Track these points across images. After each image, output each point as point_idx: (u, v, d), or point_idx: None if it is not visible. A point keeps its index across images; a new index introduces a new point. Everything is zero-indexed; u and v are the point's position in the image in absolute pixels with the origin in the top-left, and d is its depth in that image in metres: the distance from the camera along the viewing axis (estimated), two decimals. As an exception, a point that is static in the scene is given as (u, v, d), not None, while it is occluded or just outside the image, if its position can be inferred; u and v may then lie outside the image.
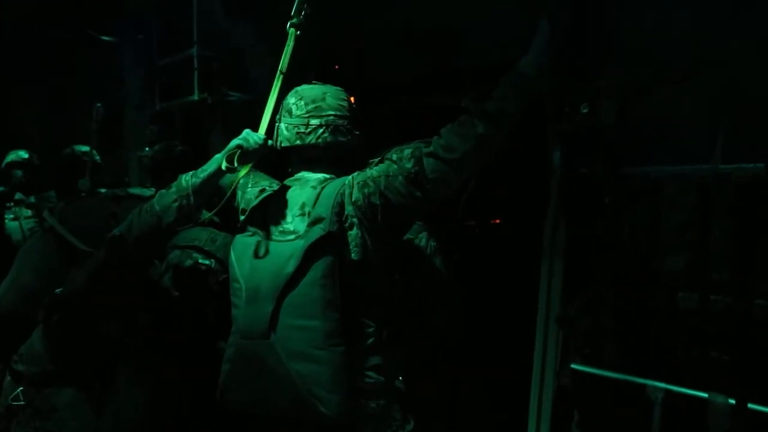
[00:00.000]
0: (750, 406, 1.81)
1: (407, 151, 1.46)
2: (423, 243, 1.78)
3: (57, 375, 1.80)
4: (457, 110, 1.45)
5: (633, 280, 2.14)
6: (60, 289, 1.77)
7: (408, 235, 1.76)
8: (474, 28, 2.60)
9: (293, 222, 1.49)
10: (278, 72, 1.59)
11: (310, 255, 1.38)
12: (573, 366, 2.19)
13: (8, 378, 1.83)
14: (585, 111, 2.13)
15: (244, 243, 1.50)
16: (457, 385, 2.65)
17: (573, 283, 2.29)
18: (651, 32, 2.05)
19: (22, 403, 1.77)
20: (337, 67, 3.21)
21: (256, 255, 1.46)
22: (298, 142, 1.55)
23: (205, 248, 1.83)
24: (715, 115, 1.96)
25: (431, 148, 1.42)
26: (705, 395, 1.90)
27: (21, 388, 1.78)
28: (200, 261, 1.74)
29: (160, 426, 1.80)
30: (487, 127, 1.38)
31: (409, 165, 1.43)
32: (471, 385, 2.71)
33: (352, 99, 1.64)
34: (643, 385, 2.03)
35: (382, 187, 1.44)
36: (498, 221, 3.03)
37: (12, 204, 3.81)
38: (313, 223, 1.43)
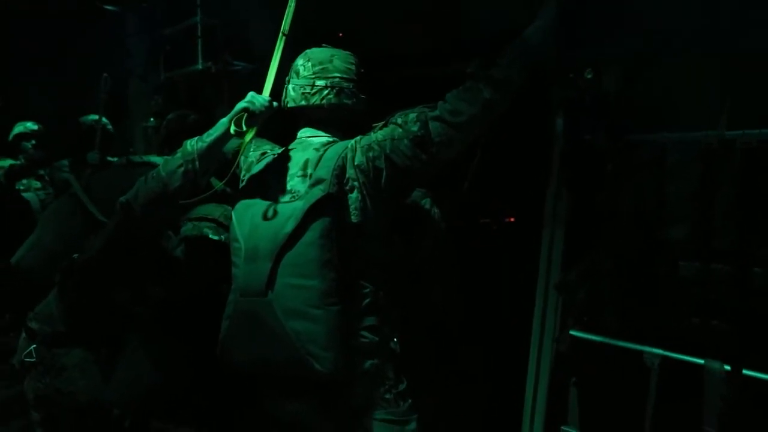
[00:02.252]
0: (745, 372, 1.83)
1: (412, 115, 1.47)
2: (427, 207, 1.79)
3: (68, 336, 1.85)
4: (459, 80, 1.45)
5: (635, 248, 2.15)
6: (77, 255, 1.80)
7: (413, 199, 1.77)
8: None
9: (294, 183, 1.51)
10: (280, 34, 1.60)
11: (310, 216, 1.39)
12: (571, 332, 2.21)
13: (23, 335, 1.89)
14: (589, 77, 2.11)
15: (245, 204, 1.52)
16: (456, 352, 2.69)
17: (574, 251, 2.30)
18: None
19: (34, 359, 1.83)
20: (341, 35, 3.18)
21: (255, 215, 1.47)
22: (303, 102, 1.56)
23: (219, 219, 1.85)
24: (721, 81, 1.93)
25: (437, 112, 1.44)
26: (701, 361, 1.92)
27: (34, 346, 1.84)
28: (211, 236, 1.76)
29: (163, 393, 1.84)
30: (493, 93, 1.40)
31: (414, 128, 1.44)
32: (470, 352, 2.75)
33: None
34: (641, 352, 2.06)
35: (388, 151, 1.45)
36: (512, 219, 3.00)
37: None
38: (313, 185, 1.44)
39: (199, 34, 4.11)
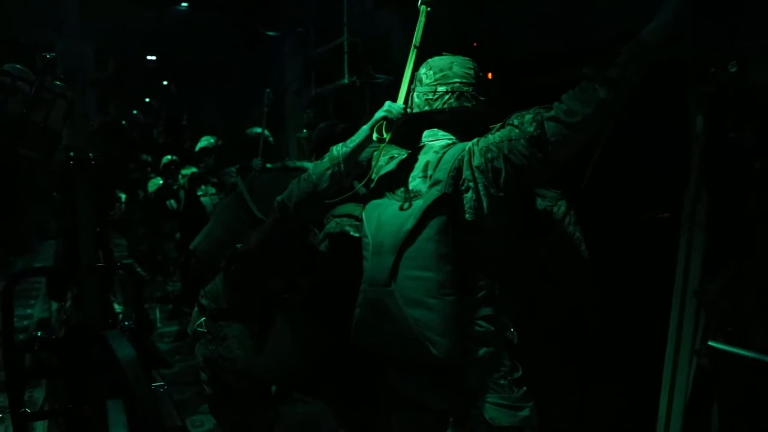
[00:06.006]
0: None
1: (528, 116, 1.53)
2: (562, 210, 1.81)
3: (229, 312, 2.20)
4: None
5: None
6: (239, 245, 2.12)
7: (547, 203, 1.81)
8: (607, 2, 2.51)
9: (416, 184, 1.65)
10: (412, 46, 1.75)
11: (428, 214, 1.52)
12: (710, 343, 2.06)
13: (196, 309, 2.30)
14: (733, 70, 1.96)
15: (374, 204, 1.70)
16: (586, 359, 2.62)
17: (715, 258, 2.14)
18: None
19: (204, 329, 2.21)
20: (475, 44, 3.28)
21: (382, 214, 1.64)
22: (426, 107, 1.70)
23: (359, 217, 2.04)
24: None
25: (552, 113, 1.48)
26: None
27: (203, 318, 2.22)
28: (352, 233, 1.93)
29: (303, 368, 2.07)
30: (608, 93, 1.40)
31: (531, 128, 1.50)
32: (601, 358, 2.66)
33: (489, 75, 1.72)
34: (796, 371, 1.86)
35: (506, 151, 1.53)
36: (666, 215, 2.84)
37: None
38: (432, 185, 1.57)
39: (345, 50, 4.48)
